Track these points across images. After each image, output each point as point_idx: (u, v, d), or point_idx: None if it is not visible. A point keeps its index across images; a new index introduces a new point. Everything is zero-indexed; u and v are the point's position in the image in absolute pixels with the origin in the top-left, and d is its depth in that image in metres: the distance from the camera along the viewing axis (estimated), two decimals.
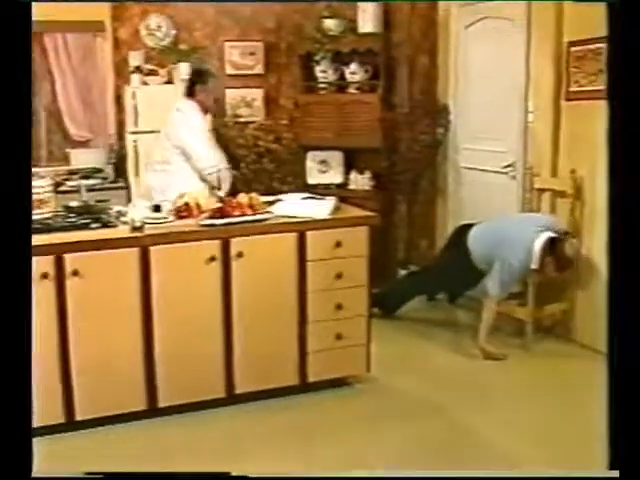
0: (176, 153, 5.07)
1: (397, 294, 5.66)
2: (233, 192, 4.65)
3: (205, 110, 5.23)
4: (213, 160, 5.07)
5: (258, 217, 4.06)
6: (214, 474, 3.02)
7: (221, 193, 4.67)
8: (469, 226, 5.21)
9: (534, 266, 4.78)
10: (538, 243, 4.74)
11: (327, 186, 6.35)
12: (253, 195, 4.21)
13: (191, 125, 5.07)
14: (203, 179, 5.05)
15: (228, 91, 6.51)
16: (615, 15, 2.22)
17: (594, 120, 4.80)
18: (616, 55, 2.22)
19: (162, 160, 5.16)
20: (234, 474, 2.58)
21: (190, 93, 5.18)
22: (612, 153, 2.26)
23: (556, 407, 4.20)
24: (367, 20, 6.14)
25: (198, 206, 4.11)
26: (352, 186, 6.36)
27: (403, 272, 6.17)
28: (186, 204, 4.11)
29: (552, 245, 4.73)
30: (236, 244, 3.95)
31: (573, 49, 4.98)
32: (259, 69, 6.60)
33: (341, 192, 5.94)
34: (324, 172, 6.45)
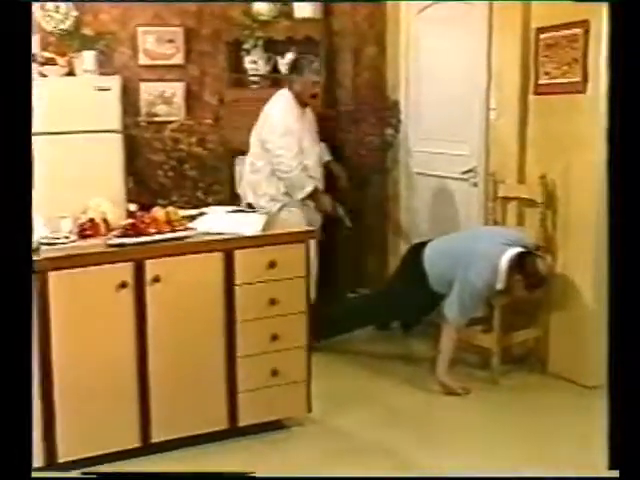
0: (260, 148, 5.52)
1: (340, 321, 5.58)
2: (148, 205, 4.55)
3: (303, 103, 5.55)
4: (294, 160, 5.41)
5: (177, 235, 4.00)
6: (214, 474, 3.40)
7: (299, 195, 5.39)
8: (423, 244, 5.19)
9: (500, 286, 4.77)
10: (505, 259, 4.73)
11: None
12: (171, 209, 4.15)
13: (275, 117, 5.45)
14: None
15: (142, 85, 6.46)
16: (615, 15, 2.49)
17: (567, 117, 4.84)
18: (616, 55, 2.47)
19: (251, 156, 5.65)
20: None
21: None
22: (612, 154, 2.49)
23: (525, 450, 4.16)
24: (304, 4, 6.11)
25: (106, 222, 4.04)
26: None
27: (352, 296, 6.13)
28: (91, 220, 4.02)
29: (521, 261, 4.73)
30: (151, 267, 3.88)
31: (543, 36, 5.00)
32: (178, 59, 6.53)
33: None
34: None
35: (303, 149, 5.54)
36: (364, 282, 6.20)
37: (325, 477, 3.54)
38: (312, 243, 5.25)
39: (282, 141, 5.46)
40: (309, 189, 5.52)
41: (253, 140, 5.69)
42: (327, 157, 5.90)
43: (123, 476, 3.48)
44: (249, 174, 5.71)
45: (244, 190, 5.80)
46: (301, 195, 5.53)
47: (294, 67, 5.89)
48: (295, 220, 5.36)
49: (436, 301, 5.01)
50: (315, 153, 5.73)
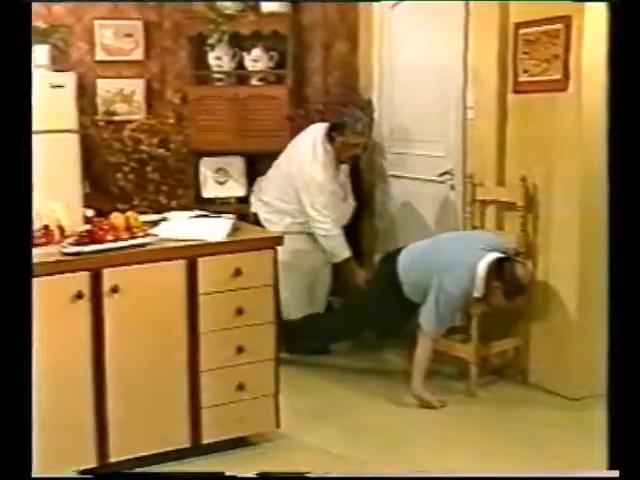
0: (290, 194, 5.61)
1: (313, 335, 5.60)
2: (107, 211, 4.53)
3: (339, 160, 5.65)
4: (332, 223, 5.57)
5: (137, 242, 3.97)
6: (213, 474, 3.53)
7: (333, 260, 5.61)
8: (398, 251, 5.19)
9: (477, 294, 4.78)
10: (482, 265, 4.74)
11: (225, 200, 6.31)
12: (131, 214, 4.11)
13: (312, 171, 5.53)
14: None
15: (100, 82, 6.38)
16: (615, 15, 2.58)
17: (548, 116, 4.87)
18: (616, 55, 2.55)
19: (275, 193, 5.73)
20: None
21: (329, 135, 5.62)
22: (612, 155, 2.55)
23: (504, 466, 4.14)
24: None
25: (60, 229, 4.00)
26: (253, 209, 6.25)
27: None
28: (45, 227, 3.98)
29: (499, 268, 4.74)
30: (109, 277, 3.86)
31: (522, 31, 5.03)
32: (138, 54, 6.47)
33: (244, 208, 5.89)
34: (222, 183, 6.41)
35: (341, 209, 5.70)
36: (339, 291, 6.18)
37: (326, 477, 3.53)
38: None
39: (320, 200, 5.55)
40: (345, 256, 5.64)
41: (278, 175, 5.78)
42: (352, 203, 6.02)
43: (123, 476, 3.64)
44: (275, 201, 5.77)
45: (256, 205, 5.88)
46: (335, 260, 5.67)
47: (341, 125, 5.70)
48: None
49: (412, 310, 5.01)
50: (348, 212, 5.89)
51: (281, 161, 5.76)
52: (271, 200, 5.75)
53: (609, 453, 2.54)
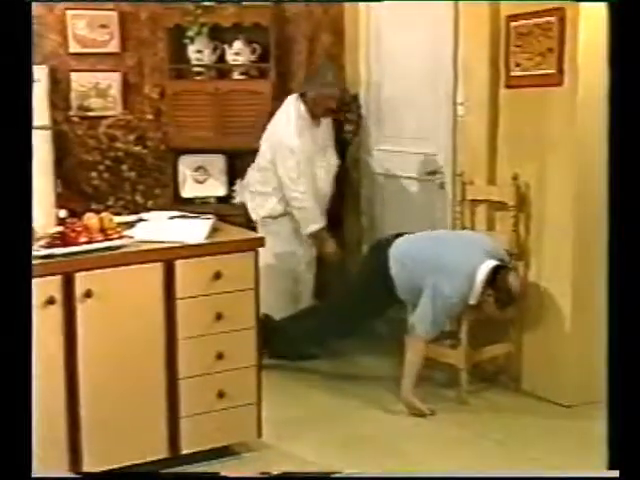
0: (269, 168, 5.69)
1: (292, 335, 5.55)
2: (80, 211, 4.52)
3: (316, 116, 5.71)
4: (304, 190, 5.57)
5: (111, 244, 3.97)
6: (212, 474, 3.62)
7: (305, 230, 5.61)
8: (388, 242, 5.16)
9: (473, 301, 4.79)
10: (481, 273, 4.75)
11: (205, 200, 6.31)
12: (105, 215, 4.11)
13: (281, 135, 5.58)
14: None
15: (73, 75, 6.35)
16: (615, 15, 2.63)
17: (542, 112, 4.88)
18: (616, 55, 2.60)
19: (257, 177, 5.82)
20: None
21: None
22: (612, 155, 2.60)
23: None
24: None
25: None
26: (238, 200, 6.31)
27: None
28: None
29: (494, 276, 4.75)
30: (83, 280, 3.85)
31: (514, 24, 5.04)
32: (114, 46, 6.43)
33: (224, 208, 5.89)
34: (201, 182, 6.41)
35: (315, 175, 5.67)
36: (320, 295, 6.18)
37: (328, 477, 3.53)
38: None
39: (290, 165, 5.58)
40: (316, 227, 5.66)
41: (259, 157, 5.84)
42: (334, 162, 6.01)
43: (123, 476, 3.68)
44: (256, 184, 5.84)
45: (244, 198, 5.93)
46: (307, 231, 5.67)
47: (309, 78, 5.89)
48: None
49: (396, 302, 5.05)
50: (328, 171, 5.88)
51: (262, 142, 5.81)
52: (255, 187, 5.83)
53: (609, 453, 2.59)
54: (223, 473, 3.89)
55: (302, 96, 5.71)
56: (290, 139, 5.58)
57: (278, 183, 5.66)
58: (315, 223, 5.66)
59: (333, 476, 3.44)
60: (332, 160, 5.95)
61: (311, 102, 5.65)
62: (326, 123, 5.88)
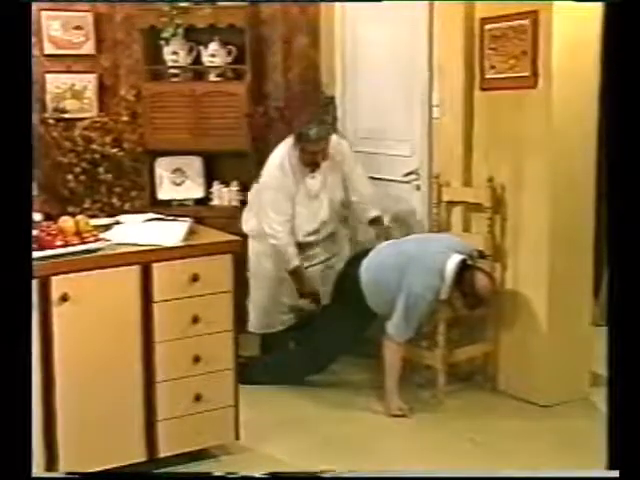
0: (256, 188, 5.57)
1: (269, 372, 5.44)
2: (56, 214, 4.51)
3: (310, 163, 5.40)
4: (281, 225, 5.35)
5: (87, 247, 3.94)
6: (211, 474, 3.63)
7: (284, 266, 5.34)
8: (358, 259, 5.15)
9: (444, 295, 4.81)
10: (450, 265, 4.77)
11: (183, 202, 6.31)
12: (80, 218, 4.10)
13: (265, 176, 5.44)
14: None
15: (49, 77, 6.32)
16: (615, 15, 2.71)
17: (517, 114, 4.90)
18: (616, 55, 2.64)
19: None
20: None
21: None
22: (611, 155, 2.66)
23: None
24: None
25: None
26: (216, 201, 6.33)
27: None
28: None
29: (460, 277, 4.77)
30: (58, 284, 3.83)
31: (488, 27, 5.06)
32: (89, 48, 6.41)
33: (202, 210, 5.91)
34: (179, 184, 6.40)
35: (296, 214, 5.43)
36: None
37: (328, 477, 3.50)
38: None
39: (266, 198, 5.40)
40: (291, 266, 5.36)
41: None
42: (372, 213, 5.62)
43: (123, 476, 3.69)
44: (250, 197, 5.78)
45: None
46: (285, 267, 5.40)
47: (297, 135, 5.44)
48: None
49: (370, 322, 5.05)
50: (321, 212, 5.56)
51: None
52: (249, 200, 5.78)
53: (609, 453, 2.62)
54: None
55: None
56: (270, 172, 5.41)
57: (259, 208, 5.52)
58: (290, 261, 5.37)
59: (325, 476, 3.43)
60: (324, 198, 5.55)
61: (299, 153, 5.37)
62: (326, 164, 5.49)
